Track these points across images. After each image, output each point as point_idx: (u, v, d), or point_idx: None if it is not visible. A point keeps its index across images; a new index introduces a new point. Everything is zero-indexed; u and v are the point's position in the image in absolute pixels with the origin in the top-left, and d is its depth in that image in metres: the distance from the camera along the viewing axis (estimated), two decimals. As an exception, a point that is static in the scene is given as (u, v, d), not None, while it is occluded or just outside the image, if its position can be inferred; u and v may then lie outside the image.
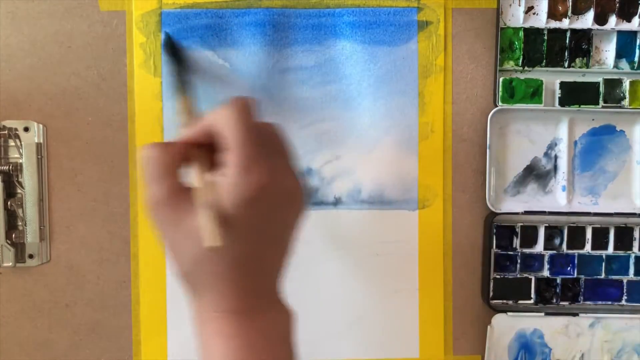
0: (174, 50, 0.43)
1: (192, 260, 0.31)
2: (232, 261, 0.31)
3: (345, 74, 0.45)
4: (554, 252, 0.46)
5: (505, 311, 0.46)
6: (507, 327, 0.46)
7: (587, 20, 0.45)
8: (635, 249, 0.46)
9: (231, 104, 0.31)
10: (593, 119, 0.46)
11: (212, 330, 0.32)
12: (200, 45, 0.44)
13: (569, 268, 0.46)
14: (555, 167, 0.46)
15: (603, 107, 0.45)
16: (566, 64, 0.45)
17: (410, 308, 0.46)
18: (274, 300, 0.34)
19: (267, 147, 0.32)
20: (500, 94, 0.44)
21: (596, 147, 0.46)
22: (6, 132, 0.44)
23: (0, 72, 0.45)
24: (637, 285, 0.46)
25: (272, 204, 0.31)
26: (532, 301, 0.46)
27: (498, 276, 0.46)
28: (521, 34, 0.45)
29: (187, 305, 0.45)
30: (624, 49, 0.45)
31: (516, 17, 0.45)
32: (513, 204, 0.46)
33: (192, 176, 0.33)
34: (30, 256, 0.45)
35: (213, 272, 0.31)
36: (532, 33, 0.45)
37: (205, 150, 0.33)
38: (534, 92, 0.45)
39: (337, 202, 0.46)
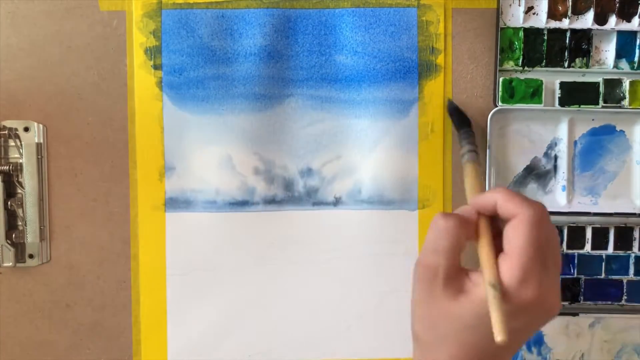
0: (460, 117, 0.43)
1: (436, 335, 0.32)
2: (474, 350, 0.32)
3: (345, 74, 0.45)
4: (554, 252, 0.46)
5: (505, 311, 0.46)
6: (507, 327, 0.46)
7: (587, 20, 0.45)
8: (635, 249, 0.46)
9: (533, 209, 0.31)
10: (593, 119, 0.46)
11: None
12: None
13: (569, 268, 0.46)
14: (555, 167, 0.46)
15: (603, 107, 0.45)
16: (566, 64, 0.45)
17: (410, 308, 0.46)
18: None
19: (545, 259, 0.31)
20: (500, 94, 0.44)
21: (596, 147, 0.46)
22: (6, 132, 0.44)
23: (0, 72, 0.45)
24: (637, 285, 0.46)
25: (530, 317, 0.32)
26: (532, 301, 0.46)
27: (498, 276, 0.46)
28: (521, 34, 0.45)
29: (187, 305, 0.46)
30: (624, 49, 0.45)
31: (516, 17, 0.45)
32: (513, 204, 0.46)
33: (479, 251, 0.32)
34: (30, 256, 0.45)
35: (450, 355, 0.32)
36: (532, 33, 0.45)
37: (489, 222, 0.33)
38: (534, 92, 0.45)
39: (337, 202, 0.46)
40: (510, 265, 0.30)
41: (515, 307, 0.30)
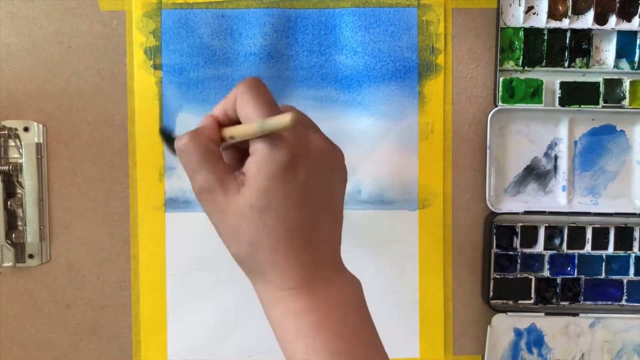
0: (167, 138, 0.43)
1: (248, 240, 0.31)
2: (286, 231, 0.31)
3: (345, 74, 0.45)
4: (554, 252, 0.46)
5: (505, 311, 0.46)
6: (507, 327, 0.46)
7: (587, 20, 0.45)
8: (635, 249, 0.46)
9: (241, 84, 0.32)
10: (593, 119, 0.46)
11: (281, 310, 0.32)
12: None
13: (569, 268, 0.46)
14: (556, 167, 0.46)
15: (603, 107, 0.45)
16: (566, 64, 0.45)
17: (410, 308, 0.46)
18: (336, 269, 0.33)
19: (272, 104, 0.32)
20: (500, 94, 0.44)
21: (596, 147, 0.46)
22: (6, 132, 0.44)
23: (0, 72, 0.45)
24: (637, 285, 0.46)
25: (311, 168, 0.31)
26: (532, 301, 0.46)
27: (498, 276, 0.46)
28: (521, 34, 0.45)
29: (187, 305, 0.46)
30: (624, 49, 0.45)
31: (516, 17, 0.45)
32: (513, 204, 0.46)
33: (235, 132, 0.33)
34: (30, 256, 0.45)
35: (270, 248, 0.31)
36: (532, 33, 0.45)
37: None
38: (534, 92, 0.45)
39: (337, 202, 0.46)
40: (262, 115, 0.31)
41: (283, 161, 0.30)
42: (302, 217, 0.31)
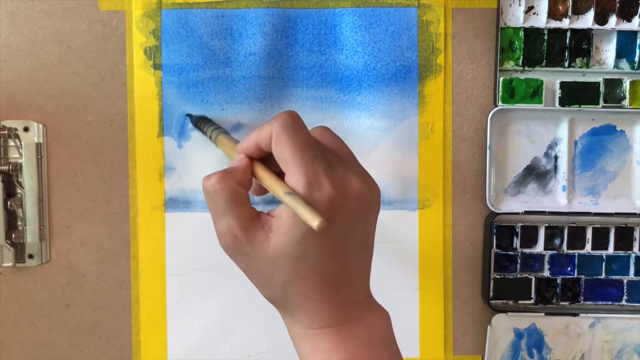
0: (196, 123, 0.44)
1: (280, 286, 0.31)
2: (320, 279, 0.31)
3: (345, 74, 0.45)
4: (554, 252, 0.46)
5: (505, 311, 0.46)
6: (507, 327, 0.46)
7: (587, 20, 0.45)
8: (635, 249, 0.46)
9: (278, 119, 0.30)
10: (593, 119, 0.46)
11: (310, 346, 0.32)
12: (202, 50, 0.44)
13: (569, 268, 0.46)
14: (556, 167, 0.46)
15: (603, 107, 0.45)
16: (566, 64, 0.45)
17: (410, 308, 0.46)
18: (367, 307, 0.33)
19: (321, 157, 0.31)
20: (500, 94, 0.44)
21: (596, 147, 0.46)
22: (6, 132, 0.44)
23: (0, 72, 0.45)
24: (637, 285, 0.46)
25: (348, 216, 0.31)
26: (532, 301, 0.46)
27: (498, 276, 0.46)
28: (521, 33, 0.45)
29: (187, 305, 0.46)
30: (624, 49, 0.45)
31: (516, 17, 0.45)
32: (513, 204, 0.46)
33: (263, 183, 0.32)
34: (30, 256, 0.45)
35: (303, 294, 0.31)
36: (532, 33, 0.45)
37: (265, 160, 0.32)
38: (534, 92, 0.45)
39: (337, 202, 0.46)
40: (291, 176, 0.30)
41: (323, 210, 0.29)
42: (336, 264, 0.31)
